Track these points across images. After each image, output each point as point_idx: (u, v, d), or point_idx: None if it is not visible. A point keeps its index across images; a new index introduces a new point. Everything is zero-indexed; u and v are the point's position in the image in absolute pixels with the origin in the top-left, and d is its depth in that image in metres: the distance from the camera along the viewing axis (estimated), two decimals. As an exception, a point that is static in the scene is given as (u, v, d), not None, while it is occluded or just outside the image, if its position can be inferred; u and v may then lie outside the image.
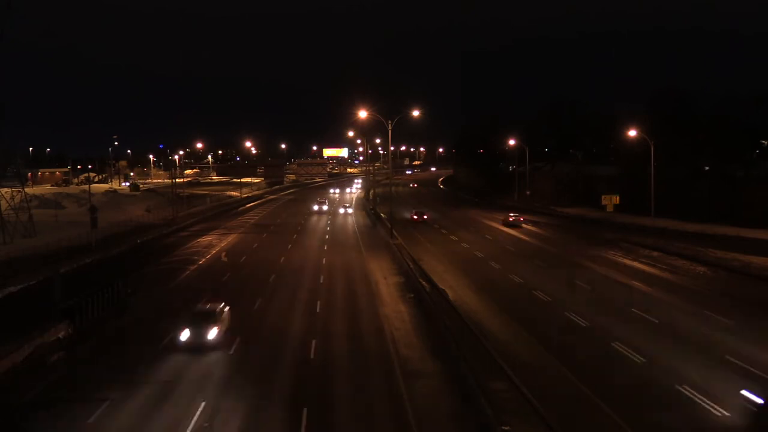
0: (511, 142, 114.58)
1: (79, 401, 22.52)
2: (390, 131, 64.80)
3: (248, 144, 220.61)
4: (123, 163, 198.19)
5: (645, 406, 21.42)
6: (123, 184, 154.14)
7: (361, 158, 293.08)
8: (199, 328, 28.20)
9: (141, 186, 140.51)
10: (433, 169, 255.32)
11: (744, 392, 21.24)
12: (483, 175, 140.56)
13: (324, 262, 51.21)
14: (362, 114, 69.27)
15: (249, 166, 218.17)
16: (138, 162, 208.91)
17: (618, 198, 76.89)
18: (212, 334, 28.08)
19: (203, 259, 53.87)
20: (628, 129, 76.26)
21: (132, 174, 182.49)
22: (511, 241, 63.29)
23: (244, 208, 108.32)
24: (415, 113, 67.93)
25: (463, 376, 23.39)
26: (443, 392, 22.89)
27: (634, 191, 77.08)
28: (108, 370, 26.10)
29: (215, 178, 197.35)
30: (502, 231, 71.32)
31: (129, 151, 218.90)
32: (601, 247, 57.06)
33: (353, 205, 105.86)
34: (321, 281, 43.33)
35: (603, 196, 77.79)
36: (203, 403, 21.84)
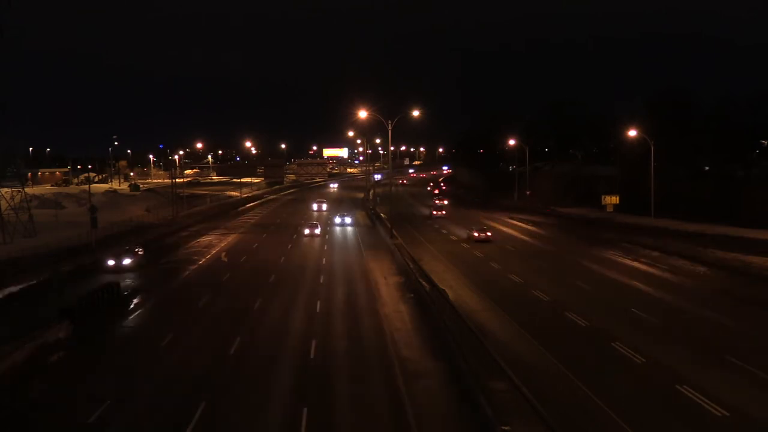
0: (511, 142, 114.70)
1: (79, 401, 22.53)
2: (390, 131, 64.84)
3: (248, 144, 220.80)
4: (123, 163, 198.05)
5: (645, 406, 21.41)
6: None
7: (361, 158, 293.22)
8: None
9: (141, 186, 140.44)
10: (433, 172, 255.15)
11: None
12: (483, 175, 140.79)
13: (324, 262, 51.22)
14: (362, 114, 69.39)
15: (249, 166, 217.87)
16: (138, 162, 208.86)
17: (618, 198, 77.06)
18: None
19: (203, 259, 53.89)
20: (628, 129, 76.44)
21: (132, 174, 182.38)
22: (511, 241, 63.29)
23: (244, 208, 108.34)
24: (415, 113, 68.01)
25: (463, 376, 23.39)
26: (443, 392, 22.89)
27: (634, 191, 77.14)
28: (108, 370, 26.13)
29: (215, 178, 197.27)
30: (502, 231, 71.35)
31: (129, 151, 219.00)
32: (601, 247, 57.05)
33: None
34: (321, 281, 43.33)
35: (603, 196, 77.97)
36: (203, 404, 21.84)
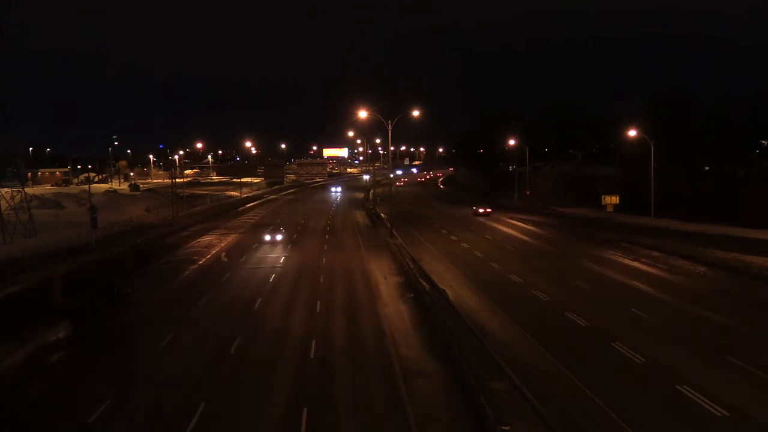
0: (511, 142, 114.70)
1: (79, 401, 22.53)
2: (390, 131, 64.88)
3: (248, 144, 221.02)
4: (123, 163, 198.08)
5: (645, 406, 21.41)
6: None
7: (361, 158, 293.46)
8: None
9: (141, 186, 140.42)
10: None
11: None
12: (483, 175, 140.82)
13: (324, 261, 51.20)
14: (362, 114, 69.44)
15: (249, 166, 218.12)
16: (138, 162, 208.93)
17: (618, 198, 77.07)
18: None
19: (203, 259, 53.89)
20: (628, 129, 76.50)
21: (132, 174, 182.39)
22: (511, 241, 63.30)
23: (244, 208, 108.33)
24: (415, 113, 68.05)
25: (463, 376, 23.39)
26: (443, 392, 22.88)
27: (634, 191, 77.14)
28: (108, 370, 26.13)
29: (215, 178, 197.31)
30: (502, 231, 71.36)
31: (129, 151, 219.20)
32: (601, 247, 57.02)
33: None
34: (321, 281, 43.32)
35: (603, 196, 77.98)
36: (203, 404, 21.84)
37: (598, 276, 44.03)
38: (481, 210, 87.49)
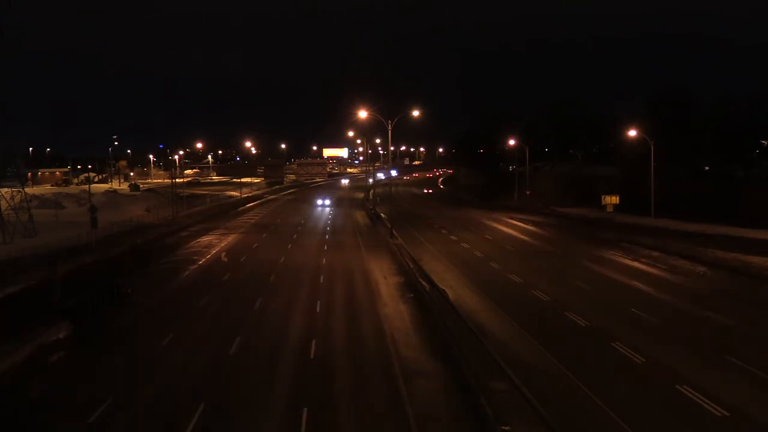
0: (511, 142, 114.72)
1: (79, 401, 22.52)
2: (390, 131, 64.89)
3: (248, 144, 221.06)
4: (123, 163, 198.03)
5: (645, 406, 21.41)
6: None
7: (361, 158, 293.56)
8: None
9: (141, 186, 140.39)
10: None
11: None
12: (483, 175, 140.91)
13: (324, 261, 51.20)
14: (362, 114, 69.48)
15: (249, 166, 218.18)
16: (138, 162, 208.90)
17: (618, 198, 77.14)
18: None
19: (203, 259, 53.88)
20: (628, 129, 76.57)
21: (132, 174, 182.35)
22: (511, 241, 63.31)
23: (244, 208, 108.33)
24: (415, 113, 68.12)
25: (463, 376, 23.38)
26: (443, 392, 22.88)
27: (634, 191, 77.18)
28: (108, 369, 26.11)
29: (215, 178, 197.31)
30: (502, 231, 71.35)
31: (129, 151, 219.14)
32: (601, 247, 57.03)
33: None
34: (321, 281, 43.32)
35: (603, 196, 78.04)
36: (203, 403, 21.83)
37: (598, 276, 44.02)
38: (425, 191, 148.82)
